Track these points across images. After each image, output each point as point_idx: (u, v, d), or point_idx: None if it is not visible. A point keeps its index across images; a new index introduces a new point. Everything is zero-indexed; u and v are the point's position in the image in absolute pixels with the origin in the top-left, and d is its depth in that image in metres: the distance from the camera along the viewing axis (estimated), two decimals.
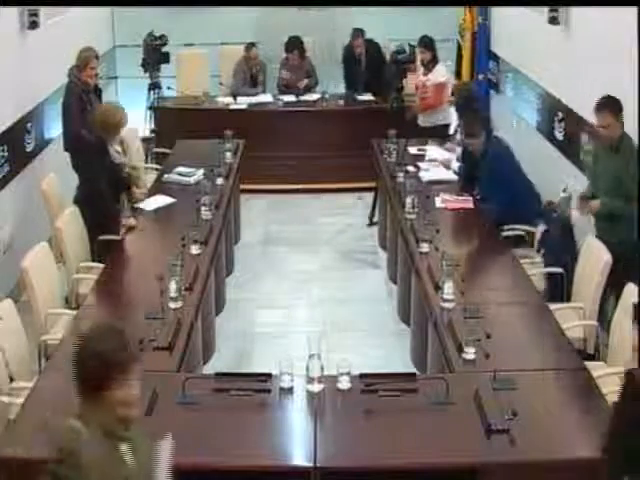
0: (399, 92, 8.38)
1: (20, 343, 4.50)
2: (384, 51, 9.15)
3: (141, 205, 6.23)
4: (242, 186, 7.75)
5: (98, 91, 7.29)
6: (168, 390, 3.79)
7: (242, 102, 9.10)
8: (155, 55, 9.09)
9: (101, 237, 6.07)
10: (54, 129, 7.51)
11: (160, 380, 3.86)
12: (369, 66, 9.30)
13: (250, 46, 9.39)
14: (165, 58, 9.18)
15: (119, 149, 6.38)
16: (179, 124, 8.74)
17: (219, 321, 6.02)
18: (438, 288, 4.74)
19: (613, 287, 4.89)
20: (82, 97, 6.90)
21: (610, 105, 5.15)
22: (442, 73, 8.08)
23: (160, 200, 6.32)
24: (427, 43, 8.13)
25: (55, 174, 6.80)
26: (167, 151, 7.89)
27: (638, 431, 2.38)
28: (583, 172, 6.31)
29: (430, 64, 8.08)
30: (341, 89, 9.55)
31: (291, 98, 9.25)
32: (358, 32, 9.26)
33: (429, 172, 6.81)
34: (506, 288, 5.01)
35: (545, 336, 4.39)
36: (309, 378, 3.83)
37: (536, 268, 5.60)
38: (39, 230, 6.67)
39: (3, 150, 6.37)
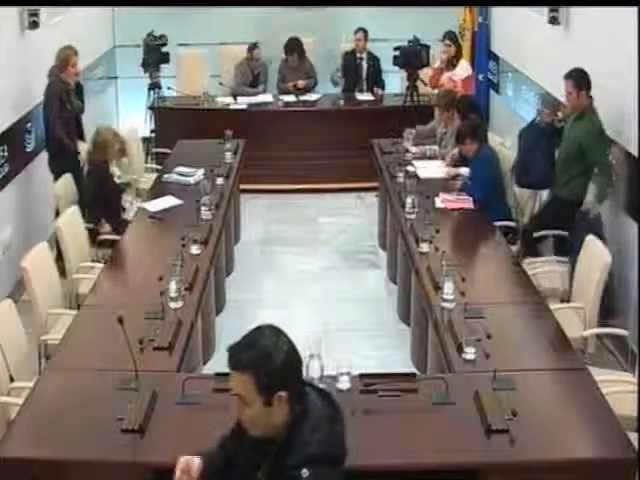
0: (414, 89, 8.49)
1: (20, 343, 4.50)
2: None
3: (146, 205, 6.23)
4: (242, 186, 7.75)
5: (79, 88, 7.22)
6: (168, 390, 3.79)
7: (242, 102, 9.10)
8: (155, 55, 9.10)
9: (102, 236, 6.12)
10: None
11: (160, 380, 3.87)
12: (369, 74, 9.34)
13: (253, 46, 9.40)
14: (165, 58, 9.19)
15: (119, 172, 6.51)
16: (179, 124, 8.74)
17: (219, 321, 6.03)
18: (438, 288, 4.74)
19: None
20: (62, 97, 6.81)
21: (574, 76, 5.77)
22: (466, 67, 8.23)
23: (166, 201, 6.31)
24: (451, 37, 8.24)
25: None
26: (167, 151, 7.90)
27: None
28: None
29: (454, 58, 8.16)
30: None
31: (291, 98, 9.25)
32: (362, 31, 9.27)
33: (426, 169, 6.81)
34: (506, 288, 5.00)
35: (545, 336, 4.38)
36: (309, 378, 3.82)
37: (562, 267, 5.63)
38: (39, 230, 6.69)
39: (3, 150, 6.37)
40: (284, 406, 2.49)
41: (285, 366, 2.49)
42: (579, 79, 5.76)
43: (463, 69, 8.19)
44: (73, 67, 6.93)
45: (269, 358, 2.47)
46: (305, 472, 2.42)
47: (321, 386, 2.73)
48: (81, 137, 7.12)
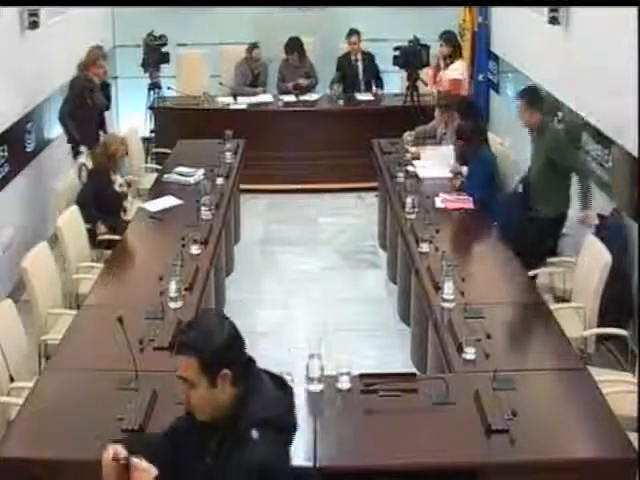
0: (414, 89, 8.47)
1: (20, 343, 4.50)
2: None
3: (146, 205, 6.24)
4: (242, 186, 7.75)
5: (106, 87, 7.41)
6: (168, 390, 3.78)
7: (242, 102, 9.10)
8: (155, 55, 9.10)
9: (102, 236, 6.12)
10: (54, 129, 7.51)
11: (160, 380, 3.86)
12: (366, 74, 9.33)
13: (252, 47, 9.39)
14: (165, 58, 9.19)
15: (121, 180, 6.51)
16: (179, 124, 8.74)
17: None
18: (438, 288, 4.74)
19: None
20: (84, 93, 7.03)
21: (524, 96, 5.91)
22: (459, 69, 8.11)
23: (166, 201, 6.31)
24: (446, 38, 8.19)
25: (54, 174, 6.83)
26: (167, 151, 7.89)
27: None
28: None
29: (448, 59, 8.11)
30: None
31: (291, 98, 9.25)
32: (355, 34, 9.25)
33: (426, 169, 6.80)
34: (506, 288, 5.00)
35: (545, 336, 4.39)
36: (309, 378, 3.83)
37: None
38: (39, 230, 6.69)
39: (3, 150, 6.37)
40: (228, 385, 2.56)
41: (227, 344, 2.57)
42: (530, 98, 5.87)
43: (454, 71, 8.11)
44: (99, 68, 7.15)
45: (211, 337, 2.55)
46: (255, 433, 2.50)
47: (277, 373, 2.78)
48: (104, 131, 7.41)
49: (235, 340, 2.61)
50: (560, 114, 6.89)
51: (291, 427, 2.67)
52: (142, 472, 2.57)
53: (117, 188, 6.44)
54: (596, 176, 6.05)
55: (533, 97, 5.92)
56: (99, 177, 6.32)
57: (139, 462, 2.58)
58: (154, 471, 2.58)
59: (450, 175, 6.60)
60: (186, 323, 2.71)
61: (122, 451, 2.61)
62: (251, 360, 2.68)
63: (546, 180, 5.73)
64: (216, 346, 2.55)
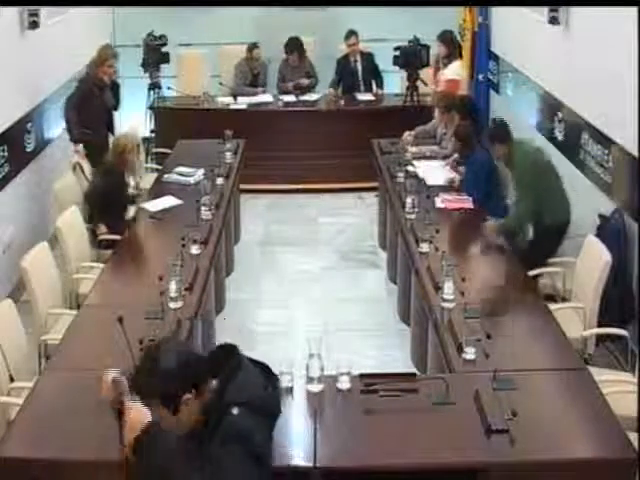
0: (414, 89, 8.46)
1: (20, 343, 4.50)
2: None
3: (146, 205, 6.23)
4: (242, 186, 7.75)
5: (115, 87, 7.42)
6: None
7: (242, 102, 9.10)
8: (155, 55, 9.11)
9: (102, 236, 6.12)
10: (54, 129, 7.52)
11: None
12: (365, 74, 9.32)
13: (252, 46, 9.40)
14: (165, 58, 9.20)
15: (134, 183, 6.49)
16: (179, 124, 8.74)
17: (219, 321, 6.02)
18: (438, 288, 4.74)
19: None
20: (93, 91, 7.07)
21: (488, 135, 6.02)
22: (456, 71, 8.08)
23: (166, 201, 6.30)
24: (443, 38, 8.16)
25: (54, 174, 6.83)
26: (167, 151, 7.90)
27: None
28: (583, 172, 6.32)
29: (445, 59, 8.08)
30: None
31: (291, 98, 9.25)
32: (353, 35, 9.25)
33: (431, 175, 6.77)
34: (506, 288, 5.00)
35: (545, 336, 4.39)
36: (309, 378, 3.82)
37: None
38: (39, 230, 6.69)
39: (3, 150, 6.37)
40: (193, 403, 2.63)
41: (178, 374, 2.63)
42: (491, 136, 5.94)
43: (451, 71, 8.09)
44: (109, 67, 7.17)
45: (159, 377, 2.62)
46: (235, 410, 2.58)
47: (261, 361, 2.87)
48: (111, 131, 7.42)
49: (186, 364, 2.66)
50: (560, 114, 6.89)
51: (273, 412, 2.74)
52: (137, 412, 2.64)
53: (132, 191, 6.42)
54: (596, 176, 6.06)
55: (493, 134, 5.94)
56: (110, 178, 6.23)
57: (135, 403, 2.65)
58: (149, 416, 2.64)
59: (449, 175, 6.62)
60: (134, 367, 2.73)
61: (121, 377, 2.74)
62: (234, 348, 2.78)
63: (526, 195, 5.69)
64: (168, 383, 2.61)
